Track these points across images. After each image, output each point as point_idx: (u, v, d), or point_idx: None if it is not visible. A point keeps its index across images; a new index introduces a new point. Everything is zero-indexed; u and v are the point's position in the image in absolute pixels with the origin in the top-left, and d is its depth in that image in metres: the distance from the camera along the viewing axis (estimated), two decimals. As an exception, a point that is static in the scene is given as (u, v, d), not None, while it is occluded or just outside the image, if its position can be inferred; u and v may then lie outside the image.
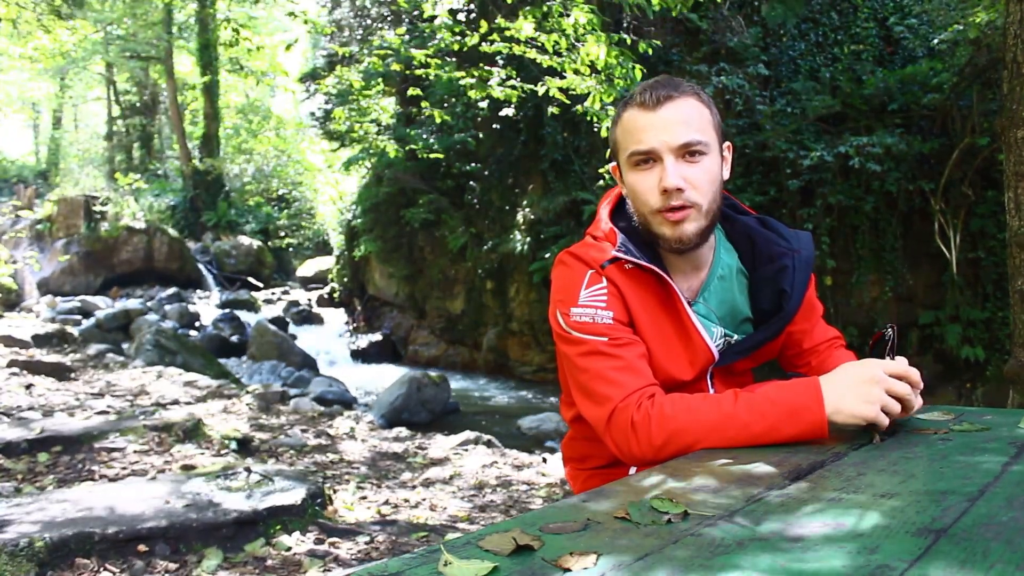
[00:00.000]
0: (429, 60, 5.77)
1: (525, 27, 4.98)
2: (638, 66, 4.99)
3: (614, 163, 1.39)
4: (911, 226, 7.64)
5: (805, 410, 1.11)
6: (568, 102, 5.55)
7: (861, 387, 1.11)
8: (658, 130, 1.25)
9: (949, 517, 0.75)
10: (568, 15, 4.86)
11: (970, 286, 7.34)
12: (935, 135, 7.36)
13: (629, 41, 5.37)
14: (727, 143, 1.35)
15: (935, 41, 7.56)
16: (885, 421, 1.11)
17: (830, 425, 1.11)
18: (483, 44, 5.30)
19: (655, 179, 1.26)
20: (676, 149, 1.24)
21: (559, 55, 5.14)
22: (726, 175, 1.34)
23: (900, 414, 1.15)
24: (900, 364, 1.14)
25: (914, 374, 1.15)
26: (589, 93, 5.05)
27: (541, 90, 5.30)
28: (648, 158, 1.26)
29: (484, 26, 5.33)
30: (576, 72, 5.08)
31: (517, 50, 5.16)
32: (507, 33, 5.18)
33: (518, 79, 5.73)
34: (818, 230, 7.56)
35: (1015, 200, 2.97)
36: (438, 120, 6.76)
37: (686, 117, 1.26)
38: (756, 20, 8.80)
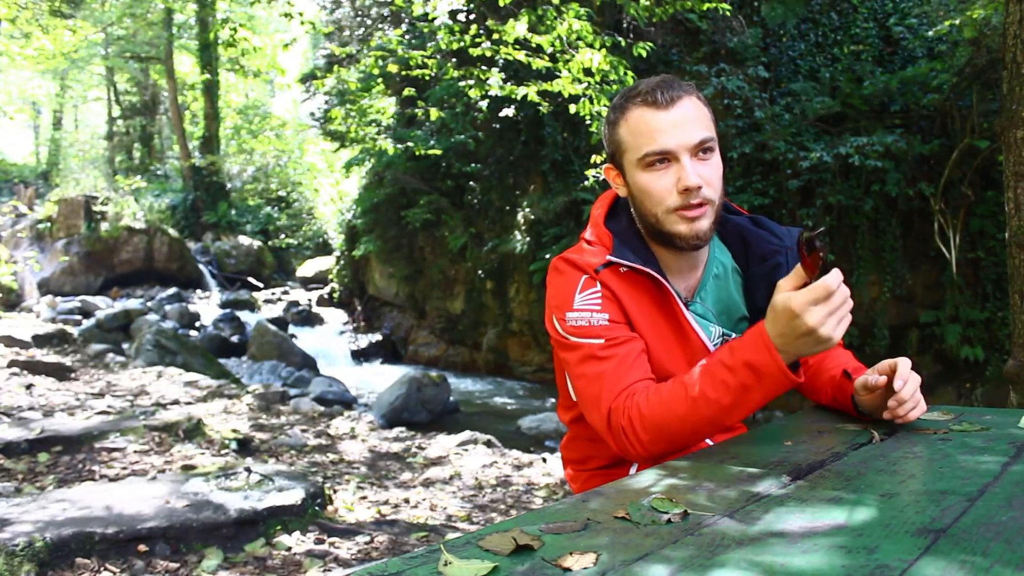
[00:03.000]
0: (427, 60, 5.76)
1: (518, 27, 4.97)
2: (630, 73, 5.00)
3: (608, 164, 1.37)
4: (911, 226, 7.63)
5: (763, 364, 1.09)
6: (547, 104, 5.53)
7: (800, 319, 1.04)
8: (674, 129, 1.24)
9: (948, 517, 0.75)
10: (562, 20, 4.86)
11: (970, 286, 7.34)
12: (935, 135, 7.36)
13: (624, 44, 5.37)
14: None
15: (929, 33, 7.55)
16: (838, 336, 1.06)
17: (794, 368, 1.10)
18: (473, 48, 5.29)
19: (672, 178, 1.25)
20: (692, 148, 1.25)
21: (553, 59, 5.13)
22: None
23: (910, 412, 1.15)
24: (832, 278, 1.04)
25: (834, 284, 1.04)
26: (579, 96, 5.04)
27: (521, 94, 5.28)
28: (664, 158, 1.26)
29: (474, 29, 5.33)
30: (569, 72, 5.08)
31: (504, 52, 5.15)
32: (495, 37, 5.17)
33: (509, 83, 5.72)
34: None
35: (1015, 200, 2.97)
36: (433, 117, 6.75)
37: (696, 115, 1.26)
38: (756, 20, 8.79)
